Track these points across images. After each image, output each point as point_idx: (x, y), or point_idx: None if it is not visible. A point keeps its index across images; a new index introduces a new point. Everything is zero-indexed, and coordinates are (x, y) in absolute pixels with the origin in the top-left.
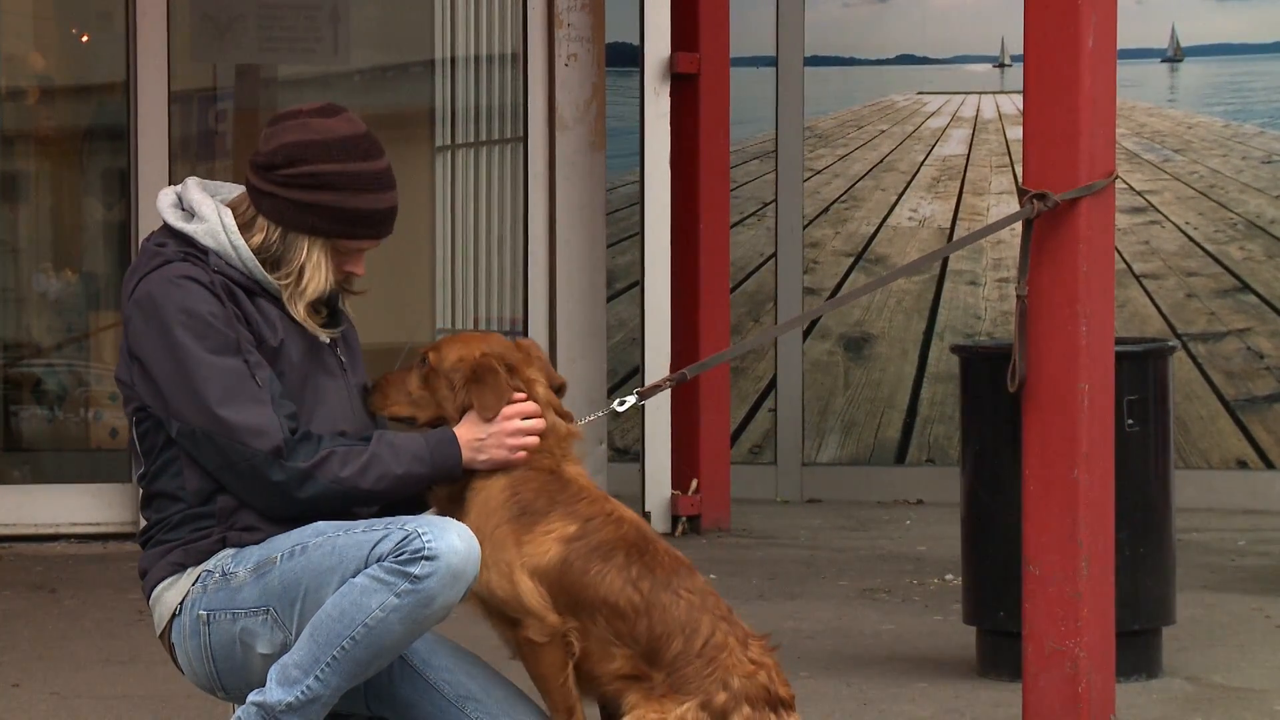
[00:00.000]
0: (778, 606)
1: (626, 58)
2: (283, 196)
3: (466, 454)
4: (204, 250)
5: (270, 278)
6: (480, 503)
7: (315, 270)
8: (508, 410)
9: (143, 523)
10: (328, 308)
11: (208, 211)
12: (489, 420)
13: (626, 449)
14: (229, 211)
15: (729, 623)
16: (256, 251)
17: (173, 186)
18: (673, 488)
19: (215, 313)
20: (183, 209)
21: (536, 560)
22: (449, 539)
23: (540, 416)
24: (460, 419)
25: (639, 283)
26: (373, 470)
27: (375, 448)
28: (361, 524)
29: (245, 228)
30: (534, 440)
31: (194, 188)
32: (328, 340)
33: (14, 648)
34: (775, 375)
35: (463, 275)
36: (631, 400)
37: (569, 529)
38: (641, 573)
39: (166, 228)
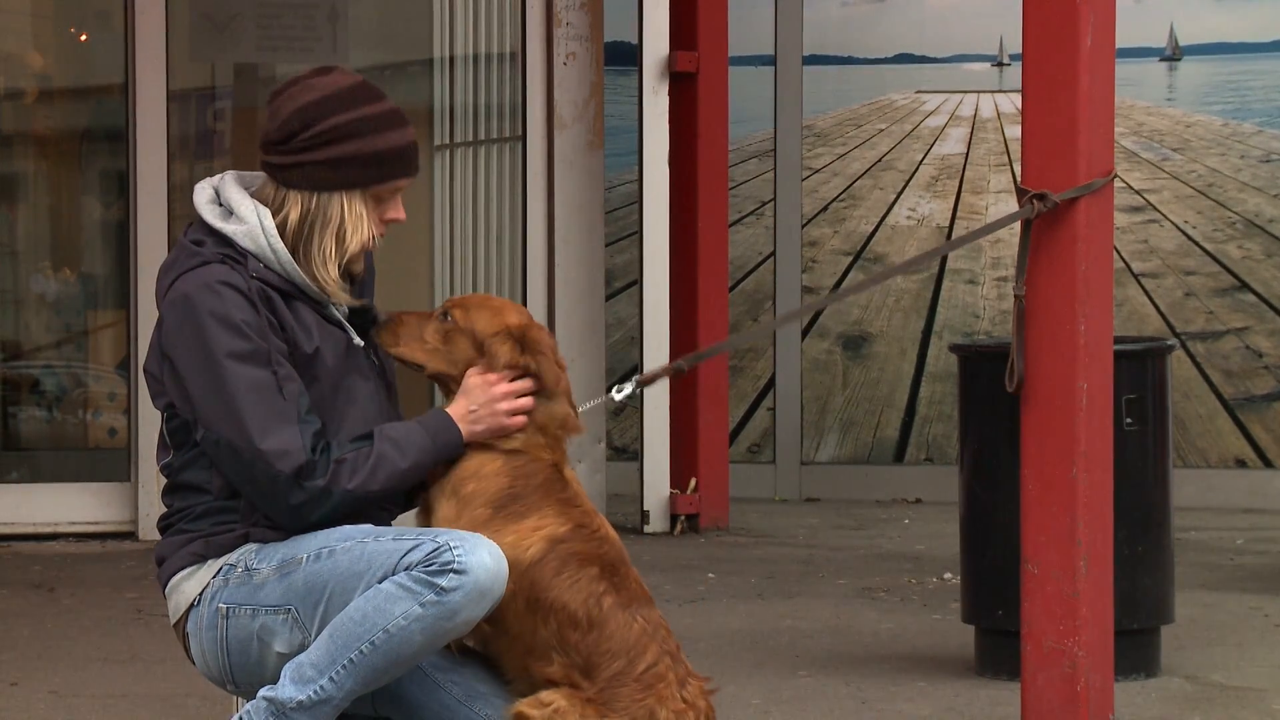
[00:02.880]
0: (776, 605)
1: (625, 56)
2: (309, 161)
3: (465, 428)
4: (242, 253)
5: (307, 279)
6: (472, 469)
7: (357, 223)
8: (491, 377)
9: (163, 509)
10: (351, 282)
11: (246, 212)
12: (550, 388)
13: (625, 447)
14: (268, 212)
15: (674, 659)
16: (297, 227)
17: (209, 180)
18: (671, 486)
19: (249, 321)
20: (220, 205)
21: (517, 553)
22: (480, 555)
23: (529, 394)
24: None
25: (637, 281)
26: (381, 471)
27: (379, 447)
28: (391, 531)
29: (278, 210)
30: (527, 403)
31: (232, 184)
32: (360, 343)
33: (12, 647)
34: (774, 374)
35: (461, 274)
36: (629, 388)
37: (560, 529)
38: (607, 589)
39: (203, 224)
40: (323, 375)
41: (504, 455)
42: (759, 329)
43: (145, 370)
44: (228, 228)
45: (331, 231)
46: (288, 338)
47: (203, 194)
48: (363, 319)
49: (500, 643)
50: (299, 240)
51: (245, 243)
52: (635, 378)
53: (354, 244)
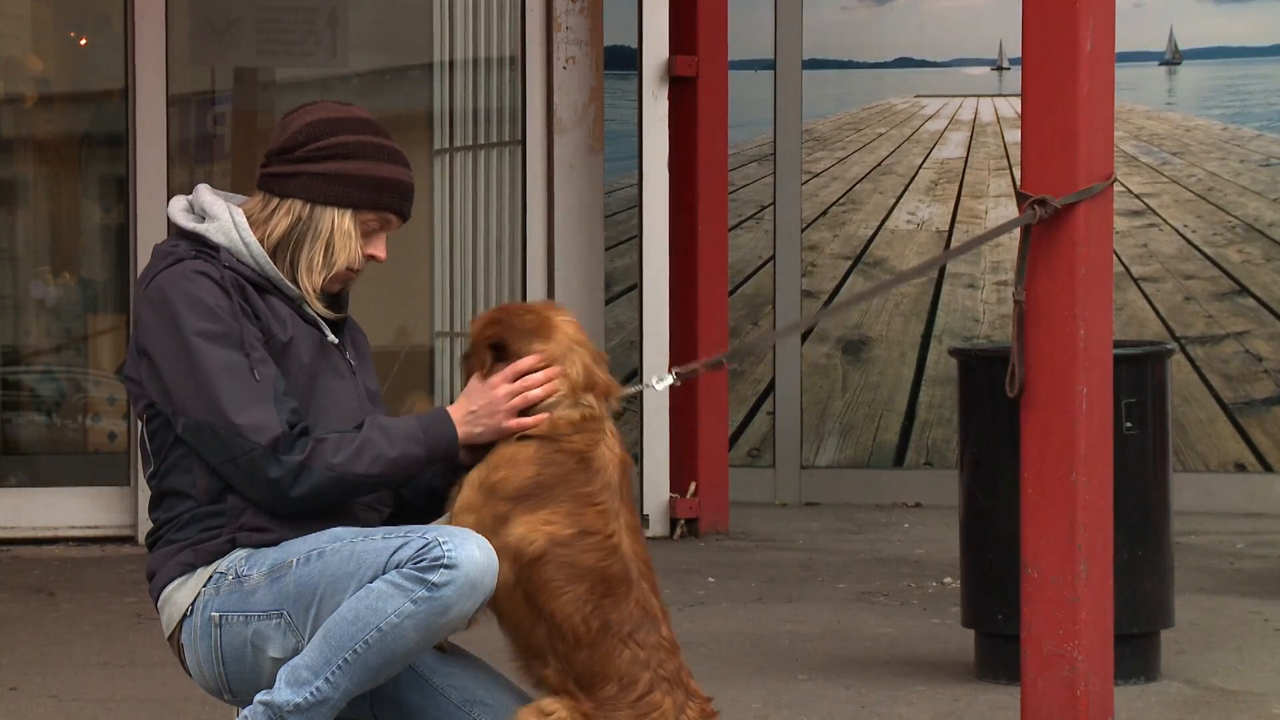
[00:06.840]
0: (776, 609)
1: (625, 60)
2: (309, 172)
3: (462, 430)
4: (215, 247)
5: (281, 274)
6: (507, 457)
7: (346, 240)
8: (493, 380)
9: (150, 524)
10: (334, 306)
11: (219, 211)
12: (519, 356)
13: None
14: (240, 211)
15: (671, 684)
16: (283, 238)
17: (182, 195)
18: (671, 491)
19: (222, 305)
20: (193, 213)
21: (523, 545)
22: (469, 549)
23: (550, 379)
24: None
25: (637, 285)
26: (366, 454)
27: (367, 432)
28: (380, 531)
29: (264, 222)
30: (536, 395)
31: (205, 192)
32: (335, 341)
33: (12, 651)
34: (774, 378)
35: (461, 278)
36: (670, 379)
37: (564, 531)
38: (595, 612)
39: (178, 230)
40: (297, 367)
41: (536, 441)
42: (801, 322)
43: (125, 377)
44: (200, 227)
45: (321, 244)
46: (262, 326)
47: (177, 204)
48: (337, 328)
49: (506, 628)
50: (285, 248)
51: (217, 237)
52: (675, 370)
53: (340, 261)
